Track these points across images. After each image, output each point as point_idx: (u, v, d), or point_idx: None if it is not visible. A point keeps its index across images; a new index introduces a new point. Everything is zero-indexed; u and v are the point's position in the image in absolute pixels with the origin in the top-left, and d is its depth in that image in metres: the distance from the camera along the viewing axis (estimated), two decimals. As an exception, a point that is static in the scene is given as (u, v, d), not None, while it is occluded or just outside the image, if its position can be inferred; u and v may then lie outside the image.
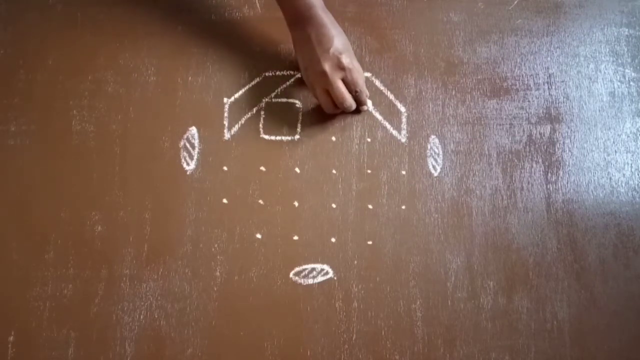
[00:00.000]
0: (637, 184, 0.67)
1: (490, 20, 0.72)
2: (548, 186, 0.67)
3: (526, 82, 0.70)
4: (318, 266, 0.63)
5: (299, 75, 0.68)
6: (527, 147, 0.68)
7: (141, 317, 0.61)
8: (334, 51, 0.59)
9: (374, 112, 0.68)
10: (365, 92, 0.64)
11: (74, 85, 0.67)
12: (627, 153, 0.68)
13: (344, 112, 0.65)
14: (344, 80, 0.61)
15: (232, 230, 0.63)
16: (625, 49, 0.72)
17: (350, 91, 0.62)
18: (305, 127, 0.67)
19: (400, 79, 0.69)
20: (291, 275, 0.63)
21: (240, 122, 0.67)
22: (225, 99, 0.68)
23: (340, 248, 0.64)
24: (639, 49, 0.72)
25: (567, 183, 0.67)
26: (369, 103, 0.67)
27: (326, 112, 0.64)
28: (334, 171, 0.66)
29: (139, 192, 0.64)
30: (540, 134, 0.68)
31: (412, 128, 0.68)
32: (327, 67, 0.59)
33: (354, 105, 0.63)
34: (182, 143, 0.66)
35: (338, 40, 0.60)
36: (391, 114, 0.68)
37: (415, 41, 0.71)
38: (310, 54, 0.60)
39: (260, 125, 0.67)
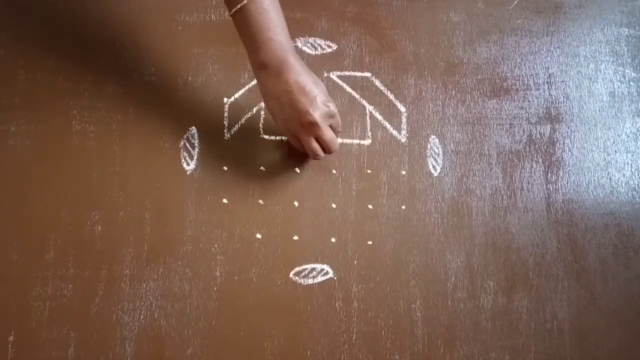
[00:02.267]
0: (637, 184, 0.67)
1: (490, 20, 0.72)
2: (548, 186, 0.67)
3: (526, 82, 0.70)
4: (318, 266, 0.63)
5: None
6: (527, 147, 0.68)
7: (141, 317, 0.61)
8: (320, 100, 0.56)
9: (374, 112, 0.68)
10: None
11: (74, 85, 0.67)
12: (627, 153, 0.68)
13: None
14: (331, 126, 0.59)
15: (232, 230, 0.63)
16: (625, 49, 0.72)
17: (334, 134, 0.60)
18: (305, 127, 0.67)
19: (400, 79, 0.69)
20: (291, 275, 0.63)
21: (240, 122, 0.67)
22: (225, 99, 0.68)
23: (340, 248, 0.64)
24: (639, 49, 0.72)
25: (567, 183, 0.67)
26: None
27: (313, 158, 0.61)
28: (334, 171, 0.66)
29: (139, 192, 0.64)
30: (540, 134, 0.68)
31: (412, 128, 0.68)
32: (318, 117, 0.56)
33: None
34: (182, 143, 0.66)
35: (320, 88, 0.57)
36: (391, 114, 0.68)
37: (415, 41, 0.71)
38: (293, 105, 0.55)
39: (260, 125, 0.67)
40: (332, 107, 0.58)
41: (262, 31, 0.54)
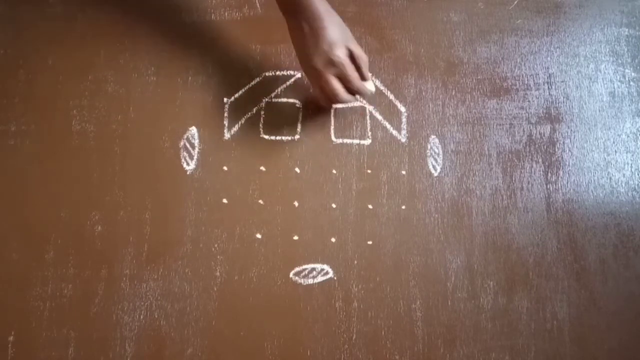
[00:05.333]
0: (637, 184, 0.67)
1: (490, 20, 0.72)
2: (548, 186, 0.67)
3: (526, 82, 0.70)
4: (318, 266, 0.63)
5: (299, 75, 0.68)
6: (527, 147, 0.68)
7: (141, 317, 0.61)
8: (325, 46, 0.56)
9: (374, 112, 0.68)
10: (363, 81, 0.60)
11: (74, 85, 0.67)
12: (627, 153, 0.68)
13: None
14: (338, 76, 0.58)
15: (232, 230, 0.63)
16: (625, 49, 0.72)
17: (346, 86, 0.59)
18: (305, 127, 0.67)
19: (400, 79, 0.69)
20: (291, 275, 0.63)
21: (240, 122, 0.67)
22: (225, 99, 0.68)
23: (340, 248, 0.64)
24: (639, 49, 0.72)
25: (567, 183, 0.67)
26: (370, 85, 0.61)
27: (333, 101, 0.60)
28: (334, 171, 0.66)
29: (139, 192, 0.64)
30: (540, 134, 0.68)
31: (412, 128, 0.68)
32: (318, 63, 0.56)
33: (350, 99, 0.59)
34: (182, 143, 0.66)
35: (332, 33, 0.56)
36: (391, 114, 0.68)
37: (415, 41, 0.71)
38: (304, 48, 0.57)
39: (260, 125, 0.67)
40: (335, 56, 0.56)
41: None
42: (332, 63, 0.57)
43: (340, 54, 0.57)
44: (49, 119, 0.66)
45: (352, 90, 0.59)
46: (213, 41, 0.69)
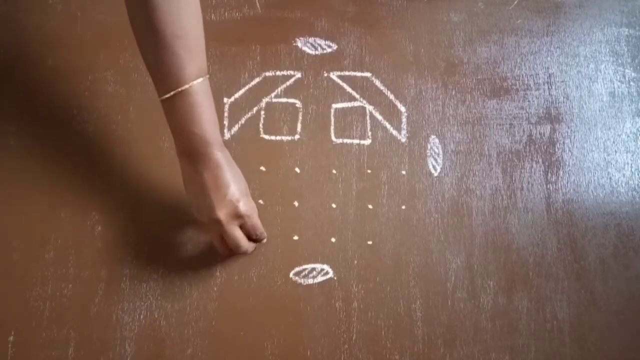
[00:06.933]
0: (637, 184, 0.67)
1: (490, 20, 0.72)
2: (548, 186, 0.67)
3: (526, 82, 0.70)
4: (318, 266, 0.63)
5: (299, 75, 0.68)
6: (527, 147, 0.68)
7: (141, 317, 0.61)
8: (230, 198, 0.54)
9: (374, 112, 0.68)
10: (263, 231, 0.59)
11: (74, 85, 0.67)
12: (627, 153, 0.68)
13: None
14: (243, 227, 0.57)
15: (232, 230, 0.63)
16: (625, 49, 0.72)
17: (249, 236, 0.58)
18: (305, 127, 0.67)
19: (400, 79, 0.69)
20: (291, 275, 0.63)
21: (240, 122, 0.67)
22: (225, 99, 0.68)
23: (340, 248, 0.64)
24: (639, 49, 0.72)
25: (567, 183, 0.67)
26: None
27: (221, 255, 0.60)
28: (334, 171, 0.66)
29: (139, 192, 0.64)
30: (540, 134, 0.68)
31: (412, 128, 0.68)
32: (222, 215, 0.54)
33: (251, 249, 0.59)
34: (182, 143, 0.66)
35: (235, 185, 0.55)
36: (391, 114, 0.68)
37: (415, 41, 0.71)
38: (203, 198, 0.54)
39: (260, 125, 0.67)
40: (242, 208, 0.55)
41: (185, 124, 0.53)
42: (238, 215, 0.55)
43: (247, 205, 0.56)
44: (49, 119, 0.66)
45: (252, 238, 0.58)
46: (213, 41, 0.69)
